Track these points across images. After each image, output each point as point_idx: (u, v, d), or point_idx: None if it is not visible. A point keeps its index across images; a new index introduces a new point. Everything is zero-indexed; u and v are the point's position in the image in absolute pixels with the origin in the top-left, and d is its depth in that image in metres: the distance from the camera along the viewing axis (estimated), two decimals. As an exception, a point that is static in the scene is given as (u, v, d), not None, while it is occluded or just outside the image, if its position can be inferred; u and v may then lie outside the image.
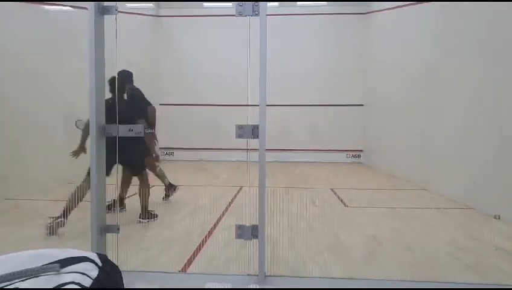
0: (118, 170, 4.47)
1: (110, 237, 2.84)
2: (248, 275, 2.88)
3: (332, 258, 3.60)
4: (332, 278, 3.06)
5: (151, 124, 5.02)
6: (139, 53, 9.63)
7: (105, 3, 2.67)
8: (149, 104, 5.17)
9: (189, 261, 3.43)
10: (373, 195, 6.92)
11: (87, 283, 0.89)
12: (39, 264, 0.91)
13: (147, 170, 5.15)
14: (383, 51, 10.06)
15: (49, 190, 6.08)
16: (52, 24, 6.89)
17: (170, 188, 5.72)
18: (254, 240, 2.82)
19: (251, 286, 2.80)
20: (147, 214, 4.74)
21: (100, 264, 0.97)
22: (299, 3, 11.90)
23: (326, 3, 11.80)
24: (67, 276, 0.89)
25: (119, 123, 3.36)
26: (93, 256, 0.99)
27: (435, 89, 7.23)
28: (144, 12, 11.16)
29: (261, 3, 2.65)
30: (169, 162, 10.22)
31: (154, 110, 5.20)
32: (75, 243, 3.87)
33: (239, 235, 2.85)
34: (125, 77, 4.80)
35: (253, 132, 2.69)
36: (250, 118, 2.81)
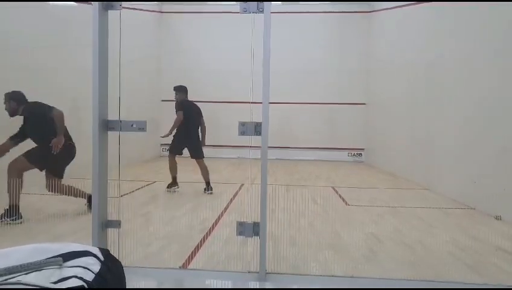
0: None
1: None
2: (249, 272, 2.88)
3: (333, 256, 3.60)
4: (332, 276, 3.07)
5: (59, 129, 4.56)
6: (141, 49, 9.63)
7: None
8: (51, 111, 4.55)
9: (190, 258, 3.44)
10: (374, 194, 6.92)
11: (89, 277, 0.89)
12: (42, 258, 0.92)
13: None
14: (386, 50, 10.03)
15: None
16: (56, 19, 6.88)
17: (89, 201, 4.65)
18: (255, 237, 2.82)
19: (252, 283, 2.80)
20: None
21: (102, 258, 0.97)
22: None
23: (329, 2, 11.78)
24: (70, 270, 0.89)
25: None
26: (96, 251, 0.99)
27: (437, 88, 7.21)
28: (147, 8, 11.14)
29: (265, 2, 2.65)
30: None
31: (60, 115, 4.57)
32: (76, 238, 3.88)
33: (240, 232, 2.85)
34: (17, 100, 4.57)
35: (256, 129, 2.69)
36: (253, 115, 2.80)
